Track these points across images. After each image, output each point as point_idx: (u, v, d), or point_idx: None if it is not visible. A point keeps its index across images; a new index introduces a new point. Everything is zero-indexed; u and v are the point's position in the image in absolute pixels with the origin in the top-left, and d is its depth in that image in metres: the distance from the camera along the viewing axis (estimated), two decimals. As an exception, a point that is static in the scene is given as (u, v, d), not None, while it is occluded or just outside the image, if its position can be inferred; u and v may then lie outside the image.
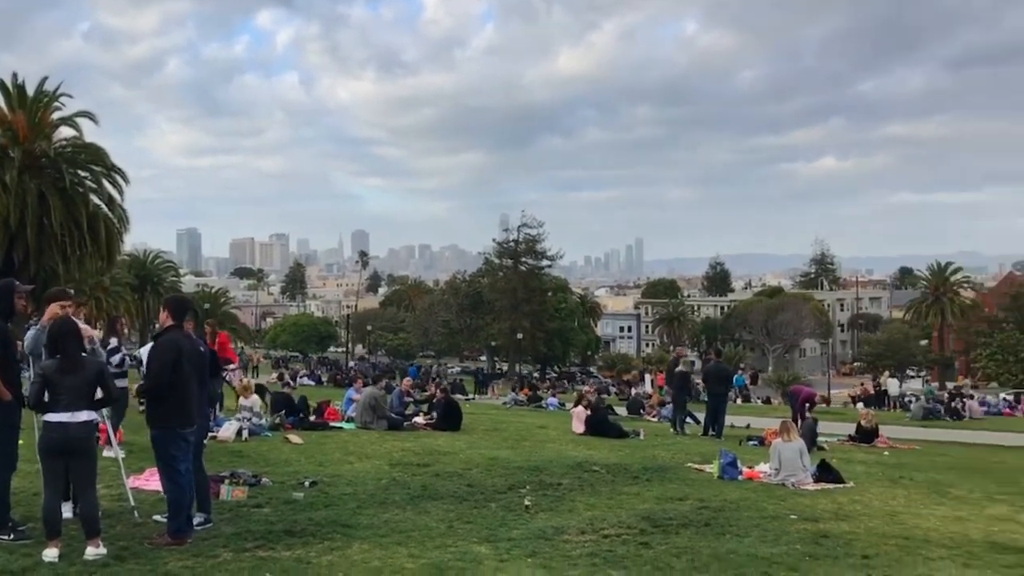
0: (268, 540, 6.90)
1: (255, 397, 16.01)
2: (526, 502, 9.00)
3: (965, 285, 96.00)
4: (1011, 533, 8.44)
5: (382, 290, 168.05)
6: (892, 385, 40.39)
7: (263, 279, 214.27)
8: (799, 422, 17.27)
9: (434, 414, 17.29)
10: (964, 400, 33.56)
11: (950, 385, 54.89)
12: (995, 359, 61.30)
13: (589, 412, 17.35)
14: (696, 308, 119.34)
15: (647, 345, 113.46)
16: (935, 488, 11.56)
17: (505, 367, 73.49)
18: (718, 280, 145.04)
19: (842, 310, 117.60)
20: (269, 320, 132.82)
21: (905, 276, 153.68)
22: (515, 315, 68.39)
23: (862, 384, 46.03)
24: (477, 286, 76.47)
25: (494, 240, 73.10)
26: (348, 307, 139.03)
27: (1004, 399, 39.60)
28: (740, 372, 48.29)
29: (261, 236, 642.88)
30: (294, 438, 13.80)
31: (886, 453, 17.20)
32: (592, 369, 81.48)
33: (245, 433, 13.52)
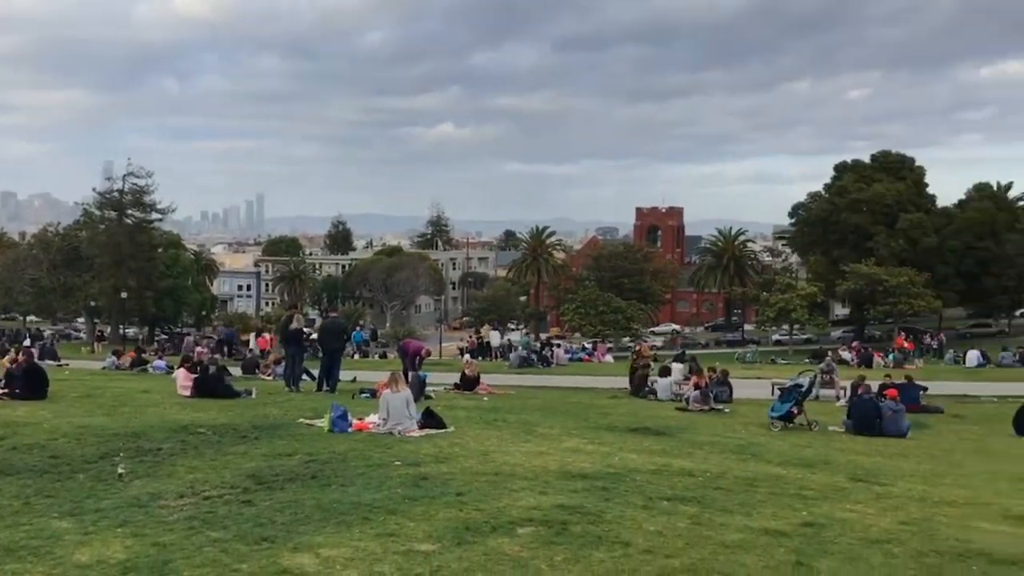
0: None
1: None
2: (120, 470, 8.41)
3: (558, 247, 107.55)
4: (580, 463, 9.67)
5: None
6: (494, 337, 43.98)
7: None
8: (409, 374, 18.10)
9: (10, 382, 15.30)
10: (553, 349, 37.59)
11: (543, 336, 61.27)
12: (579, 313, 69.47)
13: (195, 374, 16.56)
14: (318, 266, 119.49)
15: (267, 304, 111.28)
16: (524, 428, 12.84)
17: (108, 329, 67.31)
18: (340, 239, 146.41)
19: (454, 269, 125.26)
20: None
21: (509, 239, 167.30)
22: (119, 272, 62.80)
23: (470, 337, 49.46)
24: (74, 240, 68.73)
25: (95, 190, 66.29)
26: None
27: (584, 347, 45.05)
28: (359, 328, 49.25)
29: None
30: None
31: (485, 399, 18.71)
32: (208, 329, 77.80)
33: None
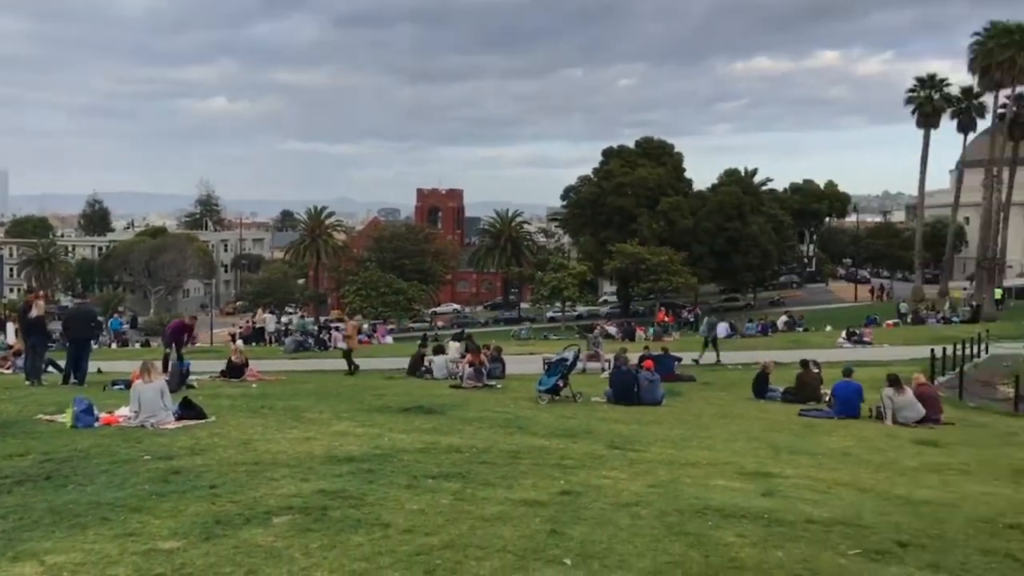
0: None
1: None
2: None
3: (338, 228, 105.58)
4: (348, 446, 9.48)
5: None
6: (269, 322, 42.49)
7: None
8: (170, 362, 17.05)
9: None
10: (331, 332, 36.89)
11: (324, 319, 60.02)
12: (360, 294, 68.71)
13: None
14: (71, 249, 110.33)
15: (11, 290, 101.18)
16: (292, 414, 12.42)
17: None
18: (97, 219, 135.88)
19: (227, 251, 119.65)
20: None
21: (287, 219, 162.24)
22: None
23: (245, 322, 47.47)
24: None
25: None
26: None
27: (363, 329, 44.58)
28: (117, 315, 45.90)
29: None
30: None
31: (254, 386, 18.01)
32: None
33: None
